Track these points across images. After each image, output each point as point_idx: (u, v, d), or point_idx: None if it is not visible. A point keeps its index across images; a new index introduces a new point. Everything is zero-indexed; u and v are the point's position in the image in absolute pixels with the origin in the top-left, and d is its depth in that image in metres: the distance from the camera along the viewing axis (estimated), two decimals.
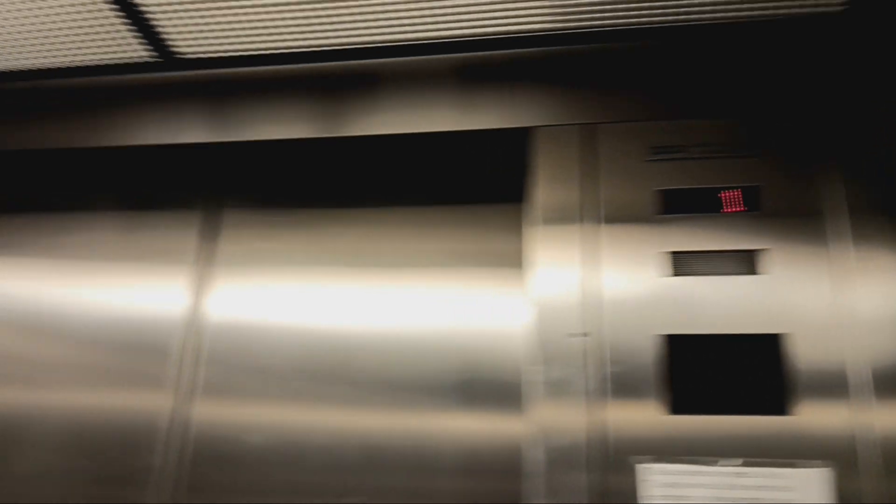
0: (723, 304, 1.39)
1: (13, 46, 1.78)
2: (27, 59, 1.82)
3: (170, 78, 1.84)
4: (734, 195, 1.45)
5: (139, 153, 1.82)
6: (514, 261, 1.72)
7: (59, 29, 1.70)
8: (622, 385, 1.37)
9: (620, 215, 1.48)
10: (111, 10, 1.63)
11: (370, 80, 1.73)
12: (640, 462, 1.32)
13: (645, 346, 1.39)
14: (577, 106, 1.59)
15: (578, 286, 1.45)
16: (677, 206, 1.46)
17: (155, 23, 1.65)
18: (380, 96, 1.71)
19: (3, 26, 1.71)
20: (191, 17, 1.63)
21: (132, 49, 1.76)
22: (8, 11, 1.65)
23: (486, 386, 1.65)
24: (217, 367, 1.79)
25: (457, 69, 1.70)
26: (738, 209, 1.44)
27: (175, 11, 1.61)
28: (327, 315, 1.78)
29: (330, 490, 1.64)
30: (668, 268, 1.43)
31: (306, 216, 1.89)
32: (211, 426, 1.74)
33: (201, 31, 1.68)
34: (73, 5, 1.63)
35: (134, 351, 1.84)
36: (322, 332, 1.77)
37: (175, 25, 1.66)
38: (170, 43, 1.72)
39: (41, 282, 1.95)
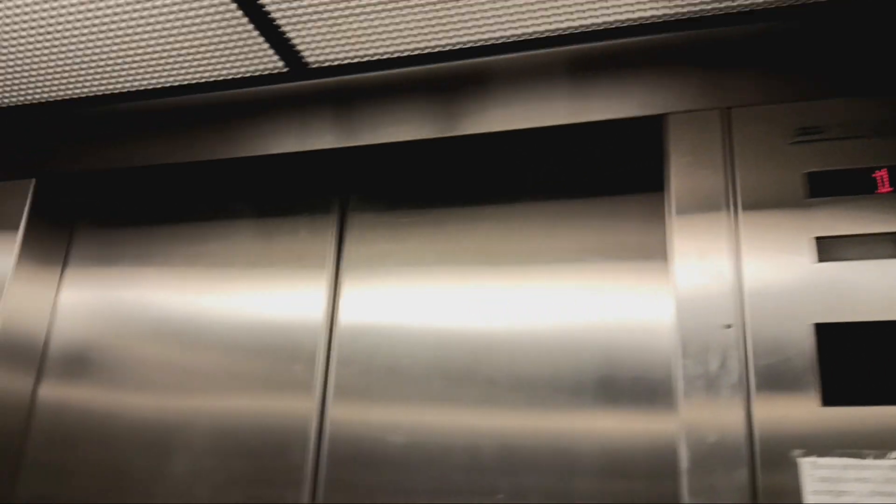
0: (880, 290, 1.32)
1: (157, 63, 1.86)
2: (170, 75, 1.91)
3: (297, 87, 1.89)
4: (887, 175, 1.37)
5: (271, 162, 1.88)
6: (653, 252, 1.68)
7: (201, 43, 1.77)
8: (774, 377, 1.32)
9: (763, 201, 1.43)
10: (247, 22, 1.68)
11: (489, 77, 1.73)
12: (803, 456, 1.27)
13: (796, 335, 1.33)
14: (711, 90, 1.55)
15: (723, 276, 1.41)
16: (825, 188, 1.39)
17: (293, 34, 1.70)
18: (496, 92, 1.71)
19: (149, 46, 1.79)
20: (315, 25, 1.67)
21: (266, 60, 1.81)
22: (154, 31, 1.73)
23: (629, 383, 1.61)
24: (355, 369, 1.82)
25: (575, 61, 1.68)
26: (892, 189, 1.37)
27: (302, 20, 1.66)
28: (460, 314, 1.79)
29: (468, 490, 1.65)
30: (818, 254, 1.37)
31: (432, 216, 1.90)
32: (353, 427, 1.77)
33: (325, 39, 1.72)
34: (212, 17, 1.69)
35: (279, 355, 1.89)
36: (456, 331, 1.77)
37: (301, 34, 1.70)
38: (304, 53, 1.77)
39: (187, 290, 2.03)
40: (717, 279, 1.41)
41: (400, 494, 1.69)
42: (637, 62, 1.63)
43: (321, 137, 1.82)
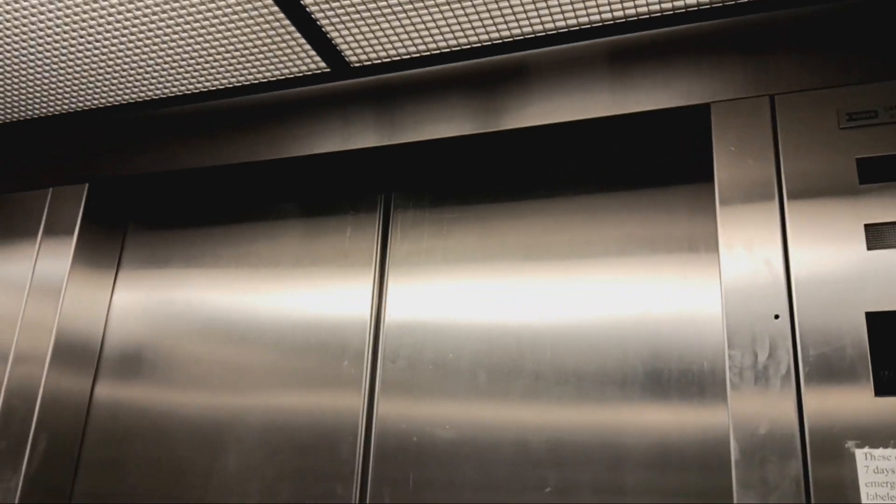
0: None
1: (202, 67, 1.90)
2: (214, 78, 1.94)
3: (339, 87, 1.91)
4: None
5: (316, 161, 1.90)
6: (700, 243, 1.67)
7: (244, 46, 1.80)
8: (825, 367, 1.30)
9: (811, 188, 1.40)
10: (289, 24, 1.70)
11: (529, 71, 1.72)
12: (856, 448, 1.24)
13: (847, 325, 1.30)
14: (755, 77, 1.52)
15: (770, 266, 1.38)
16: (877, 174, 1.36)
17: (335, 33, 1.72)
18: (537, 86, 1.70)
19: (193, 50, 1.82)
20: (356, 24, 1.68)
21: (308, 61, 1.83)
22: (198, 34, 1.76)
23: (678, 375, 1.60)
24: (402, 365, 1.83)
25: (615, 52, 1.66)
26: None
27: (343, 20, 1.67)
28: (506, 309, 1.78)
29: (516, 484, 1.65)
30: (869, 241, 1.34)
31: (475, 212, 1.90)
32: (401, 422, 1.78)
33: (366, 38, 1.73)
34: (254, 20, 1.71)
35: (326, 352, 1.91)
36: (501, 326, 1.77)
37: (343, 34, 1.72)
38: (346, 52, 1.78)
39: (236, 290, 2.07)
40: (765, 269, 1.39)
41: (448, 489, 1.69)
42: (679, 51, 1.61)
43: (364, 136, 1.83)
